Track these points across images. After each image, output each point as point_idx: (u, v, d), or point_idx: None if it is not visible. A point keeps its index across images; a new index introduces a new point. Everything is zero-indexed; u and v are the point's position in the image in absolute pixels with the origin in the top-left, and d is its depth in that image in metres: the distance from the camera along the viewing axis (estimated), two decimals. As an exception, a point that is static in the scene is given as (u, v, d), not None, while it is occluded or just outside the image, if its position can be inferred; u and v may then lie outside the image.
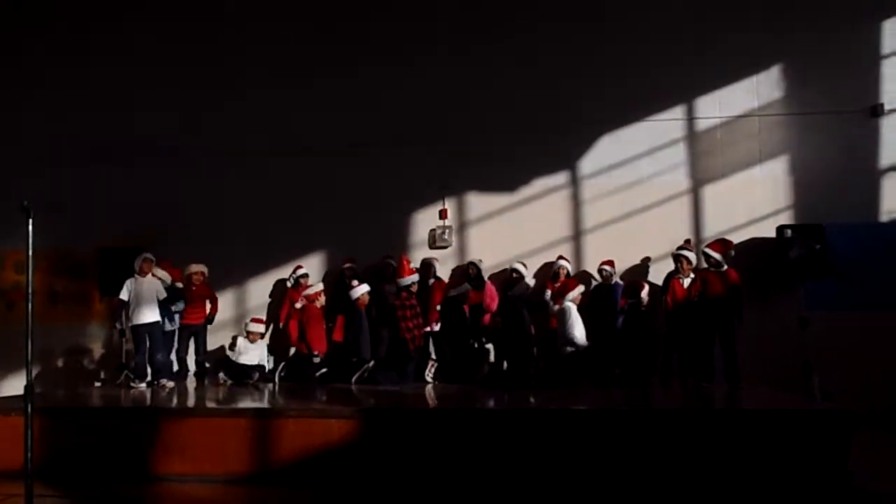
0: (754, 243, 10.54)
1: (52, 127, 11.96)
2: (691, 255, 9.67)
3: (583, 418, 6.76)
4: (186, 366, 10.56)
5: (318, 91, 11.53)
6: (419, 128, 11.24)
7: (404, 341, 9.68)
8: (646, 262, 10.76)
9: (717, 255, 9.28)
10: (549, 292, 10.24)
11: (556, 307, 9.71)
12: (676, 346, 9.70)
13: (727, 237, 10.02)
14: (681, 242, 10.14)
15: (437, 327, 10.26)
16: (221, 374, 10.13)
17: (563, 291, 9.70)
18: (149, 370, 9.61)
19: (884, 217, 10.47)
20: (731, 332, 9.09)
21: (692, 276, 9.56)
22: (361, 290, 10.08)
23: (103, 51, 12.10)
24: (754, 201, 10.67)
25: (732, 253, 9.55)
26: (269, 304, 11.46)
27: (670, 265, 10.01)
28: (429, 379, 9.80)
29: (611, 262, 10.42)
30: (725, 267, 9.25)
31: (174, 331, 10.33)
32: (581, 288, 9.79)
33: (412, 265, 10.37)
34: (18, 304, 11.70)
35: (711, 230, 10.68)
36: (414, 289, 10.07)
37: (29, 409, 4.57)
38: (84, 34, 12.21)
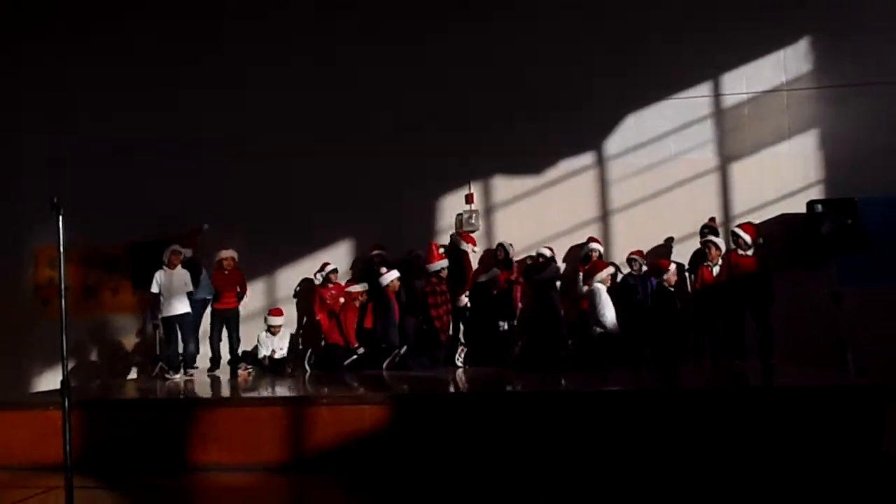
0: (785, 219, 10.44)
1: (75, 126, 11.99)
2: (720, 242, 9.59)
3: (615, 399, 6.77)
4: (219, 353, 10.54)
5: (340, 81, 11.48)
6: (443, 112, 11.18)
7: (434, 328, 9.71)
8: (669, 241, 10.68)
9: (747, 237, 9.28)
10: (581, 275, 10.21)
11: (586, 289, 9.67)
12: (707, 325, 9.64)
13: (756, 216, 10.17)
14: (706, 220, 10.07)
15: (465, 300, 10.30)
16: (243, 364, 10.16)
17: (591, 272, 9.66)
18: (169, 361, 9.74)
19: (916, 190, 10.31)
20: (765, 308, 9.03)
21: (720, 262, 9.48)
22: (391, 276, 10.10)
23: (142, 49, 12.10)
24: (784, 177, 10.55)
25: (761, 240, 9.56)
26: (297, 296, 11.48)
27: (697, 243, 9.93)
28: (459, 363, 9.82)
29: (640, 253, 10.35)
30: (752, 251, 9.19)
31: (202, 310, 10.35)
32: (611, 269, 9.73)
33: (441, 250, 10.40)
34: (53, 301, 11.83)
35: (740, 207, 10.60)
36: (444, 274, 10.08)
37: (66, 404, 4.64)
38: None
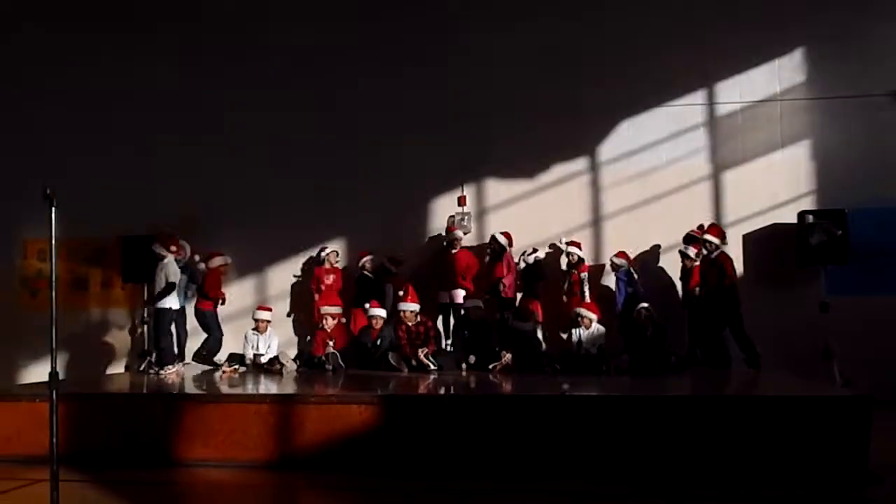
0: (775, 229, 10.48)
1: (70, 116, 11.95)
2: (690, 251, 9.94)
3: (598, 405, 6.80)
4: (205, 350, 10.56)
5: (338, 80, 11.46)
6: (438, 113, 11.17)
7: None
8: (656, 249, 10.76)
9: (715, 240, 9.51)
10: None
11: None
12: (695, 335, 9.71)
13: (748, 225, 10.52)
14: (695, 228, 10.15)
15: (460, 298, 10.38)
16: (227, 363, 10.03)
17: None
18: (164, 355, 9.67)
19: (906, 202, 10.37)
20: (731, 319, 9.19)
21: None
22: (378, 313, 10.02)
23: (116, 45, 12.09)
24: (775, 187, 10.59)
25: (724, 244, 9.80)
26: (293, 287, 11.52)
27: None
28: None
29: (623, 254, 10.35)
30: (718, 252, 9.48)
31: (183, 313, 10.30)
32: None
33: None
34: (42, 292, 11.78)
35: (732, 216, 10.65)
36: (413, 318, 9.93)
37: (54, 396, 4.63)
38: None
